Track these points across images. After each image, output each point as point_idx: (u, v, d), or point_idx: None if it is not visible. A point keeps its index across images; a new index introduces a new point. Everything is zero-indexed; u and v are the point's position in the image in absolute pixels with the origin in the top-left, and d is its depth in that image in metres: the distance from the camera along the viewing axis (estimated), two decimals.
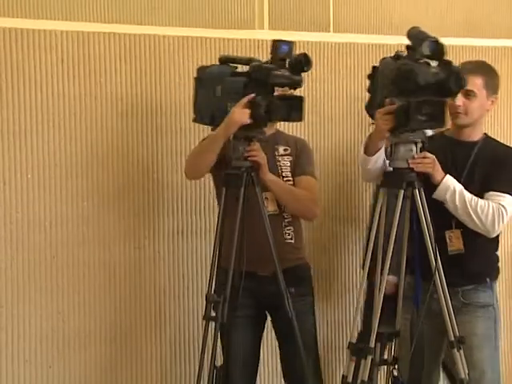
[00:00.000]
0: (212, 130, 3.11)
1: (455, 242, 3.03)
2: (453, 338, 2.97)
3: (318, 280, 3.66)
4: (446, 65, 2.84)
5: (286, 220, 3.21)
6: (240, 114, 2.94)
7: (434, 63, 2.83)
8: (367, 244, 3.02)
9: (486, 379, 3.10)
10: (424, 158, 2.94)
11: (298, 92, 3.09)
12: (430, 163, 2.95)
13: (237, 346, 3.13)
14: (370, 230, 3.03)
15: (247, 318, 3.19)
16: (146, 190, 3.51)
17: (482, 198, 3.01)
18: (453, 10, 4.25)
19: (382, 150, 3.00)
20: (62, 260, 3.37)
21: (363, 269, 3.04)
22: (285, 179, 3.20)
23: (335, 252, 3.90)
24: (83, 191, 3.40)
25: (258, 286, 3.12)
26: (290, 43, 2.95)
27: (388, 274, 2.94)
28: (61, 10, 3.35)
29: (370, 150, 3.00)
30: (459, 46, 3.96)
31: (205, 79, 3.09)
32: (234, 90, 2.99)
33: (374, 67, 3.02)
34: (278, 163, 3.21)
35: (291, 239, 3.22)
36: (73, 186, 3.38)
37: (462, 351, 2.98)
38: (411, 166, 2.92)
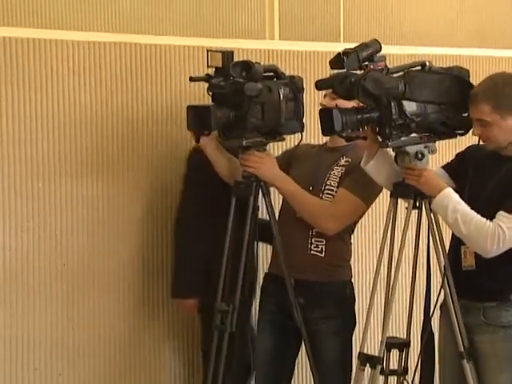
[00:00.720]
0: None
1: (469, 258, 2.93)
2: (462, 349, 2.97)
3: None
4: None
5: (315, 230, 3.13)
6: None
7: None
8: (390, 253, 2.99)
9: None
10: (408, 169, 2.93)
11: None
12: (414, 175, 2.91)
13: (258, 350, 3.14)
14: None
15: (269, 322, 3.20)
16: (156, 198, 3.52)
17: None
18: (464, 20, 4.26)
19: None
20: (73, 268, 3.38)
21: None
22: (326, 187, 3.14)
23: None
24: (94, 199, 3.41)
25: (281, 291, 3.08)
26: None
27: None
28: (73, 20, 3.39)
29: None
30: (470, 57, 3.95)
31: None
32: None
33: None
34: (330, 172, 3.16)
35: (320, 252, 3.14)
36: (83, 194, 3.39)
37: (471, 363, 2.97)
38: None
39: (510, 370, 2.96)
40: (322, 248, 3.13)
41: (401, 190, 3.00)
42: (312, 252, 3.13)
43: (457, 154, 3.13)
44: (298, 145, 3.21)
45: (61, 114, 3.33)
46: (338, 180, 3.14)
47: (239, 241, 3.01)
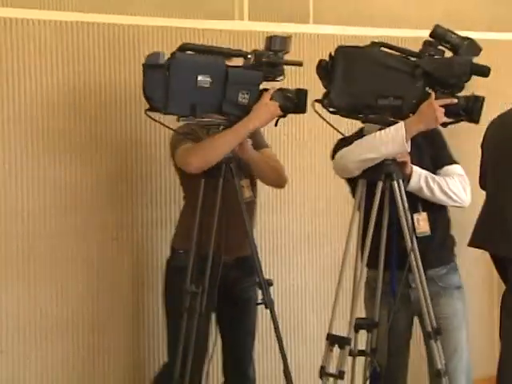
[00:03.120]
0: (177, 120, 3.03)
1: (422, 224, 3.06)
2: (430, 329, 3.00)
3: None
4: None
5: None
6: (275, 107, 3.00)
7: None
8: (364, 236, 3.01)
9: (466, 358, 3.16)
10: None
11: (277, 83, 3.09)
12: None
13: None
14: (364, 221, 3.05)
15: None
16: (123, 181, 3.50)
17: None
18: (434, 2, 4.26)
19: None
20: (40, 251, 3.35)
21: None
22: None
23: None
24: (61, 182, 3.38)
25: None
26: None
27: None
28: None
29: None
30: None
31: (179, 67, 2.91)
32: (249, 81, 2.98)
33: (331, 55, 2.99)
34: None
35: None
36: (50, 177, 3.36)
37: (438, 342, 3.01)
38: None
39: (466, 328, 3.17)
40: None
41: (371, 171, 3.01)
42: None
43: None
44: None
45: (27, 96, 3.29)
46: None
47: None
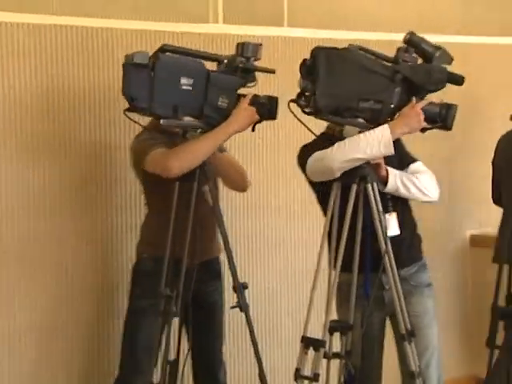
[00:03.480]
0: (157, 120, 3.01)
1: (393, 224, 3.08)
2: (404, 332, 3.01)
3: None
4: None
5: None
6: (253, 112, 3.02)
7: None
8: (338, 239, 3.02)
9: (437, 355, 3.20)
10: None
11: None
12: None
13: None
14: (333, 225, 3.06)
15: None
16: (97, 185, 3.48)
17: None
18: (406, 5, 4.29)
19: None
20: (13, 255, 3.33)
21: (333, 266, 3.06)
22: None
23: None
24: (34, 186, 3.35)
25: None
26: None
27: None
28: (13, 1, 3.31)
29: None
30: None
31: (163, 68, 2.91)
32: (228, 86, 3.00)
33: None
34: None
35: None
36: (23, 181, 3.34)
37: (413, 344, 3.03)
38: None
39: (436, 325, 3.22)
40: None
41: (345, 173, 3.02)
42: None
43: None
44: None
45: (0, 97, 3.26)
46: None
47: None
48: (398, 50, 3.02)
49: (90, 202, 3.47)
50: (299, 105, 2.98)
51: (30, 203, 3.35)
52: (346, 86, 2.92)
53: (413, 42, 3.01)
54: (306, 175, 3.14)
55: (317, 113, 2.97)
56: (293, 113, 2.97)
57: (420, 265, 3.22)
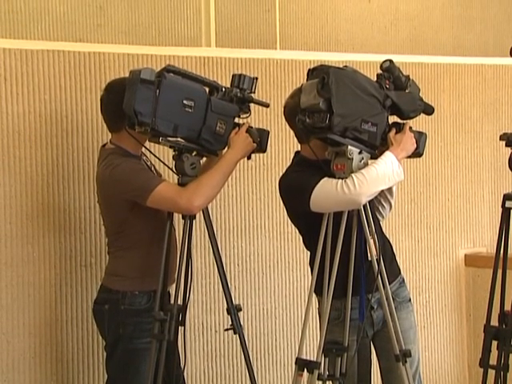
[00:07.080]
0: (158, 140, 2.99)
1: (372, 247, 3.05)
2: (398, 352, 3.00)
3: None
4: None
5: None
6: (251, 141, 3.06)
7: None
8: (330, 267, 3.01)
9: (419, 369, 3.24)
10: None
11: None
12: None
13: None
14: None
15: None
16: (92, 208, 3.48)
17: None
18: (397, 28, 4.32)
19: None
20: (7, 280, 3.32)
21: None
22: None
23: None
24: (28, 210, 3.36)
25: None
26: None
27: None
28: (5, 27, 3.33)
29: None
30: (403, 63, 4.01)
31: (169, 87, 2.91)
32: (227, 113, 3.03)
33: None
34: None
35: None
36: (17, 205, 3.34)
37: (407, 365, 3.02)
38: None
39: (417, 339, 3.28)
40: None
41: None
42: None
43: None
44: None
45: None
46: None
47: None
48: (379, 76, 3.04)
49: (86, 225, 3.46)
50: (304, 121, 2.93)
51: (24, 228, 3.35)
52: (353, 107, 2.93)
53: (391, 69, 3.03)
54: (288, 206, 3.16)
55: (328, 131, 2.91)
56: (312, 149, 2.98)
57: (400, 280, 3.24)
